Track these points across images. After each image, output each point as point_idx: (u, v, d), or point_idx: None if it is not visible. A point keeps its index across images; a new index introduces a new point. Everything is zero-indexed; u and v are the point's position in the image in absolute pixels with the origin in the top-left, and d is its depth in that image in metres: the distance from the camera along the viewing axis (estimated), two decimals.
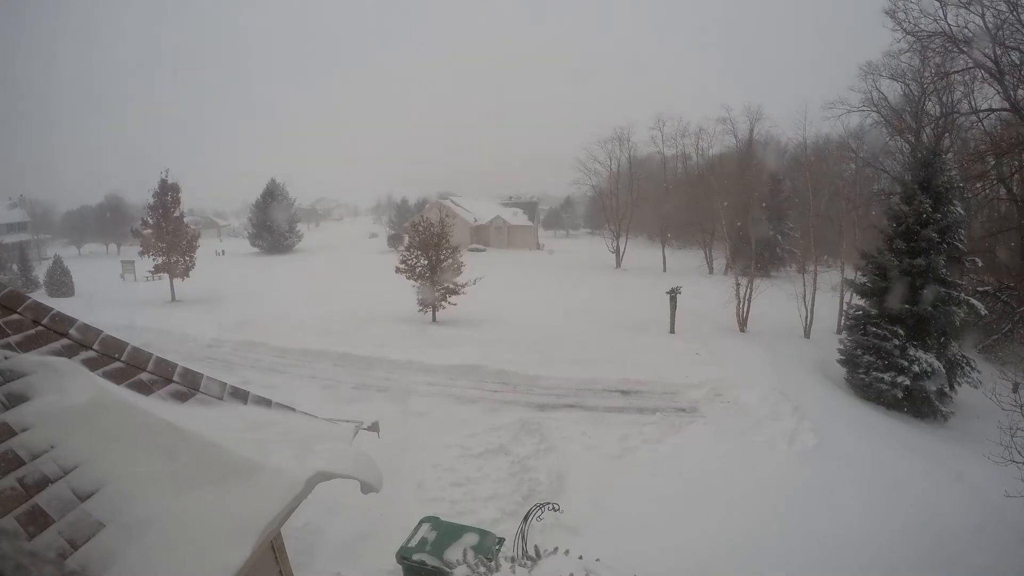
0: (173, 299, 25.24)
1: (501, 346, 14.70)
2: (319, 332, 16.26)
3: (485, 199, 62.54)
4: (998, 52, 19.88)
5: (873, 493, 7.85)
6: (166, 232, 25.26)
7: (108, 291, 28.77)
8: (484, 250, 48.73)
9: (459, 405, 10.94)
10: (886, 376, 11.68)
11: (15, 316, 3.00)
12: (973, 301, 12.62)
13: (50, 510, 2.16)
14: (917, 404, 11.68)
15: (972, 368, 12.36)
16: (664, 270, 35.12)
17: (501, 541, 5.32)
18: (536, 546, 4.18)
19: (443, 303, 19.72)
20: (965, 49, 20.86)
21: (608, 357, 13.81)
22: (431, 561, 4.99)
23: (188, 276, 25.96)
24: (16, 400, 2.43)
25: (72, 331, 3.14)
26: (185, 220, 27.81)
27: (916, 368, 11.46)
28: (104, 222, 55.83)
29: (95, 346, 3.17)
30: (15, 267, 33.76)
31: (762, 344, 16.01)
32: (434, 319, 19.55)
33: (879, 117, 26.24)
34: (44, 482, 2.24)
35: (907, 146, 25.30)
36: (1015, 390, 8.33)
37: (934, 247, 12.02)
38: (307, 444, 3.39)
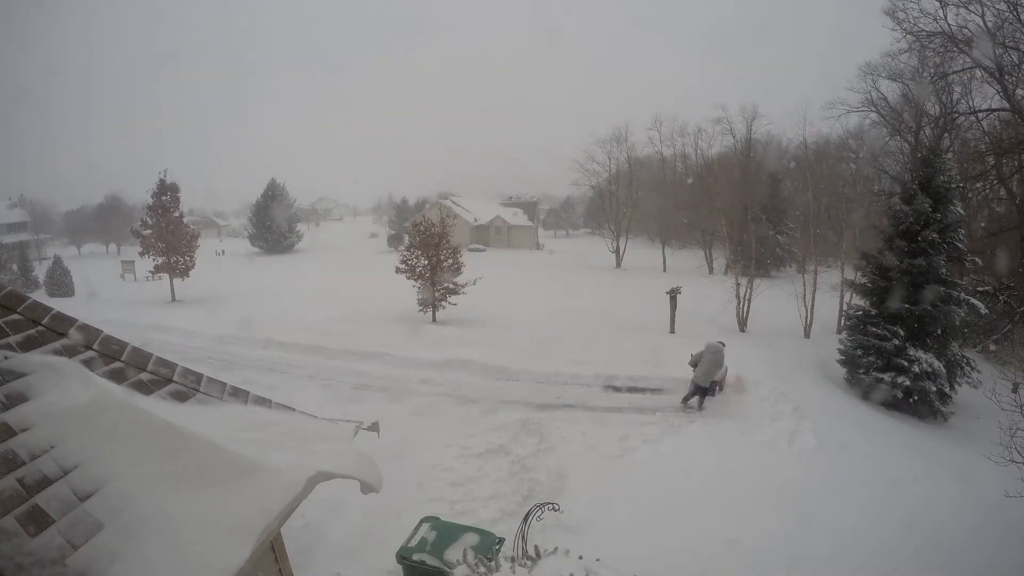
0: (173, 299, 25.25)
1: (501, 346, 14.70)
2: (319, 332, 16.25)
3: (485, 199, 62.63)
4: (998, 52, 19.89)
5: (873, 493, 7.84)
6: (166, 232, 25.27)
7: (108, 291, 28.78)
8: (484, 250, 48.77)
9: (459, 405, 10.94)
10: (886, 376, 11.68)
11: (15, 316, 3.00)
12: (973, 301, 12.62)
13: (50, 510, 2.16)
14: (917, 404, 11.68)
15: (972, 368, 12.37)
16: (664, 270, 35.14)
17: (501, 541, 5.32)
18: (536, 546, 4.17)
19: (443, 303, 19.73)
20: (965, 49, 20.87)
21: (608, 357, 13.81)
22: (431, 561, 4.99)
23: (188, 276, 25.97)
24: (16, 400, 2.43)
25: (72, 331, 3.14)
26: (185, 220, 27.82)
27: (916, 368, 11.46)
28: (104, 222, 55.84)
29: (95, 346, 3.17)
30: (15, 267, 33.79)
31: (762, 344, 16.00)
32: (434, 319, 19.56)
33: (878, 117, 26.27)
34: (44, 482, 2.24)
35: (907, 146, 25.32)
36: (1015, 390, 8.34)
37: (934, 247, 12.02)
38: (307, 444, 3.39)
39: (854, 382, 12.59)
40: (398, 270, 20.18)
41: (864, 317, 12.91)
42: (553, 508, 5.70)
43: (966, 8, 20.38)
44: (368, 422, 4.33)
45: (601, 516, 6.72)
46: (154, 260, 25.64)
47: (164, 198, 25.52)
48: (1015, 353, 13.95)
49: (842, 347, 13.14)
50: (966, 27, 20.75)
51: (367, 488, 3.22)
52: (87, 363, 3.00)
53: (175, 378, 3.36)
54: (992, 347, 15.58)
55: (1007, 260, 17.92)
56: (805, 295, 18.20)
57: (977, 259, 14.26)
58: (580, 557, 3.82)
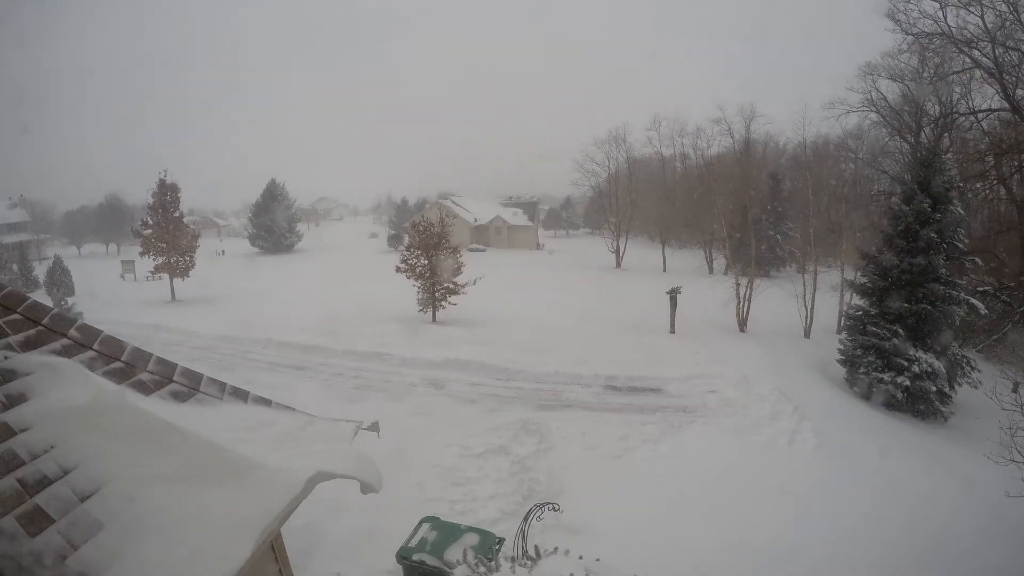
0: (173, 299, 25.26)
1: (501, 346, 14.70)
2: (319, 332, 16.26)
3: (485, 199, 62.62)
4: (998, 52, 19.90)
5: (874, 493, 7.84)
6: (166, 232, 25.28)
7: (108, 291, 28.77)
8: (484, 250, 48.75)
9: (459, 405, 10.94)
10: (886, 376, 11.67)
11: (15, 316, 3.00)
12: (973, 301, 12.62)
13: (50, 510, 2.16)
14: (917, 404, 11.67)
15: (972, 368, 12.36)
16: (664, 270, 35.13)
17: (501, 541, 5.32)
18: (536, 546, 4.18)
19: (443, 303, 19.74)
20: (965, 49, 20.89)
21: (608, 357, 13.81)
22: (431, 561, 4.99)
23: (188, 276, 25.97)
24: (16, 400, 2.43)
25: (72, 331, 3.14)
26: (185, 220, 27.82)
27: (916, 368, 11.46)
28: (104, 222, 55.86)
29: (95, 346, 3.17)
30: (15, 267, 33.78)
31: (762, 344, 16.01)
32: (434, 319, 19.56)
33: (878, 117, 26.29)
34: (44, 482, 2.24)
35: (907, 146, 25.33)
36: (1015, 390, 8.34)
37: (934, 247, 12.01)
38: (307, 444, 3.39)
39: (854, 382, 12.59)
40: (398, 270, 20.18)
41: (864, 317, 12.90)
42: (553, 508, 5.71)
43: (966, 9, 20.40)
44: (368, 422, 4.33)
45: (601, 516, 6.72)
46: (154, 260, 25.64)
47: (165, 198, 25.52)
48: (1015, 353, 13.94)
49: (842, 347, 13.14)
50: (966, 28, 20.78)
51: (367, 488, 3.22)
52: (87, 363, 3.00)
53: (175, 378, 3.36)
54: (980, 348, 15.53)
55: (1007, 260, 17.93)
56: (805, 295, 18.20)
57: (977, 259, 14.26)
58: (580, 557, 3.82)
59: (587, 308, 21.19)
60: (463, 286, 19.77)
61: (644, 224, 45.53)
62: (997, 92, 20.82)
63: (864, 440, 9.77)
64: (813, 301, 18.28)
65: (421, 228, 20.33)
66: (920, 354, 11.63)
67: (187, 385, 3.37)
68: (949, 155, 18.20)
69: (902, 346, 11.79)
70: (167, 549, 2.27)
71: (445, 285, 19.75)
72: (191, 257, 26.18)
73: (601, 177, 47.49)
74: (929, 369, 11.44)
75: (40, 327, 3.04)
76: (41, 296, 25.12)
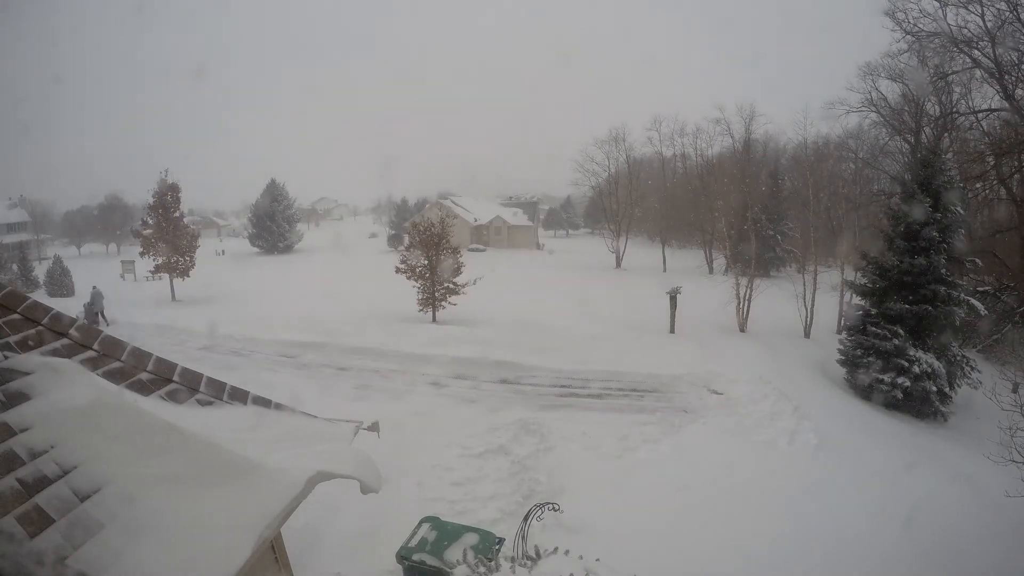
0: (173, 299, 25.25)
1: (501, 345, 14.70)
2: (319, 331, 16.25)
3: (485, 199, 62.63)
4: (998, 52, 19.90)
5: (874, 493, 7.85)
6: (166, 232, 25.28)
7: (108, 291, 28.74)
8: (484, 250, 48.76)
9: (459, 405, 10.94)
10: (886, 376, 11.67)
11: (15, 316, 3.00)
12: (973, 301, 12.62)
13: (50, 510, 2.16)
14: (917, 404, 11.68)
15: (972, 368, 12.36)
16: (664, 270, 35.14)
17: (501, 541, 5.32)
18: (536, 546, 4.17)
19: (443, 303, 19.74)
20: (965, 49, 20.88)
21: (608, 357, 13.81)
22: (431, 561, 4.99)
23: (188, 276, 25.98)
24: (17, 400, 2.43)
25: (72, 331, 3.14)
26: (185, 220, 27.83)
27: (916, 368, 11.46)
28: (104, 222, 55.87)
29: (95, 346, 3.17)
30: (15, 267, 33.79)
31: (762, 344, 16.01)
32: (434, 319, 19.56)
33: (878, 117, 26.29)
34: (44, 482, 2.24)
35: (907, 146, 25.34)
36: (1015, 390, 8.34)
37: (934, 247, 12.01)
38: (307, 444, 3.39)
39: (854, 382, 12.59)
40: (398, 270, 20.19)
41: (864, 317, 12.90)
42: (553, 508, 5.71)
43: (966, 8, 20.39)
44: (368, 422, 4.33)
45: (601, 516, 6.71)
46: (154, 260, 25.65)
47: (165, 198, 25.52)
48: (1015, 353, 13.95)
49: (842, 347, 13.14)
50: (966, 27, 20.77)
51: (367, 488, 3.22)
52: (87, 363, 3.00)
53: (175, 378, 3.36)
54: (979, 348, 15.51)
55: (1007, 260, 17.93)
56: (805, 295, 18.19)
57: (977, 259, 14.26)
58: (580, 557, 3.82)
59: (587, 308, 21.19)
60: (463, 286, 19.77)
61: (644, 224, 45.54)
62: (997, 92, 20.83)
63: (865, 440, 9.77)
64: (813, 301, 18.27)
65: (421, 228, 20.33)
66: (920, 354, 11.63)
67: (187, 385, 3.37)
68: (949, 155, 18.21)
69: (902, 346, 11.79)
70: (167, 549, 2.27)
71: (445, 285, 19.76)
72: (191, 257, 26.19)
73: (601, 177, 47.52)
74: (929, 369, 11.45)
75: (40, 327, 3.04)
76: (41, 296, 25.13)
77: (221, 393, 3.49)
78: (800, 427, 9.82)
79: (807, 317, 18.25)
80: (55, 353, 2.90)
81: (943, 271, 12.08)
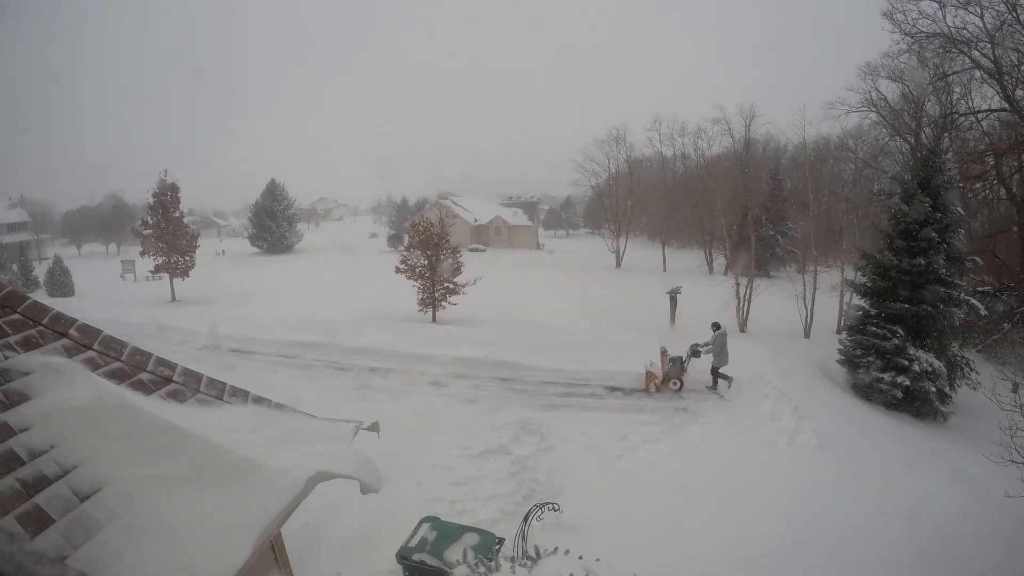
0: (173, 299, 25.26)
1: (501, 346, 14.69)
2: (319, 331, 16.25)
3: (485, 199, 62.65)
4: (997, 52, 19.89)
5: (875, 493, 7.84)
6: (166, 232, 25.29)
7: (108, 291, 28.78)
8: (484, 250, 48.76)
9: (459, 405, 10.95)
10: (886, 376, 11.67)
11: (15, 316, 3.00)
12: (973, 301, 12.62)
13: (50, 510, 2.17)
14: (917, 404, 11.67)
15: (972, 368, 12.36)
16: (664, 270, 35.15)
17: (501, 541, 5.32)
18: (536, 546, 4.18)
19: (443, 303, 19.74)
20: (964, 50, 20.87)
21: (608, 357, 13.80)
22: (431, 561, 4.99)
23: (188, 276, 25.99)
24: (17, 400, 2.43)
25: (72, 331, 3.14)
26: (185, 220, 27.84)
27: (916, 368, 11.46)
28: (104, 222, 55.86)
29: (95, 346, 3.17)
30: (15, 267, 33.81)
31: (762, 344, 16.01)
32: (434, 319, 19.56)
33: (878, 117, 26.27)
34: (44, 482, 2.24)
35: (907, 146, 25.33)
36: (1015, 390, 8.34)
37: (934, 246, 12.01)
38: (307, 444, 3.40)
39: (854, 382, 12.59)
40: (398, 270, 20.19)
41: (864, 317, 12.90)
42: (553, 508, 5.71)
43: (965, 9, 20.38)
44: (368, 422, 4.34)
45: (601, 516, 6.71)
46: (154, 260, 25.65)
47: (165, 198, 25.53)
48: (1015, 353, 13.95)
49: (842, 347, 13.14)
50: (965, 28, 20.76)
51: (367, 488, 3.22)
52: (87, 363, 3.00)
53: (175, 378, 3.36)
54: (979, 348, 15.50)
55: (1007, 260, 17.94)
56: (805, 295, 18.20)
57: (977, 259, 14.26)
58: (580, 557, 3.82)
59: (587, 308, 21.20)
60: (463, 286, 19.77)
61: (644, 224, 45.54)
62: (997, 92, 20.81)
63: (865, 440, 9.77)
64: (813, 301, 18.28)
65: (421, 228, 20.34)
66: (920, 354, 11.63)
67: (187, 385, 3.37)
68: (949, 155, 18.21)
69: (902, 346, 11.79)
70: (167, 549, 2.27)
71: (445, 285, 19.77)
72: (191, 257, 26.20)
73: (601, 177, 47.52)
74: (929, 369, 11.44)
75: (40, 327, 3.04)
76: (41, 296, 25.12)
77: (221, 393, 3.49)
78: (800, 427, 9.82)
79: (807, 317, 18.25)
80: (55, 353, 2.90)
81: (943, 271, 12.08)
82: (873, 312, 12.74)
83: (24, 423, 2.34)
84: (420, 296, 19.91)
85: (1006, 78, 20.10)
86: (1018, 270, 17.71)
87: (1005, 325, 16.14)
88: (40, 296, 23.25)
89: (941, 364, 11.62)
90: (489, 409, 10.61)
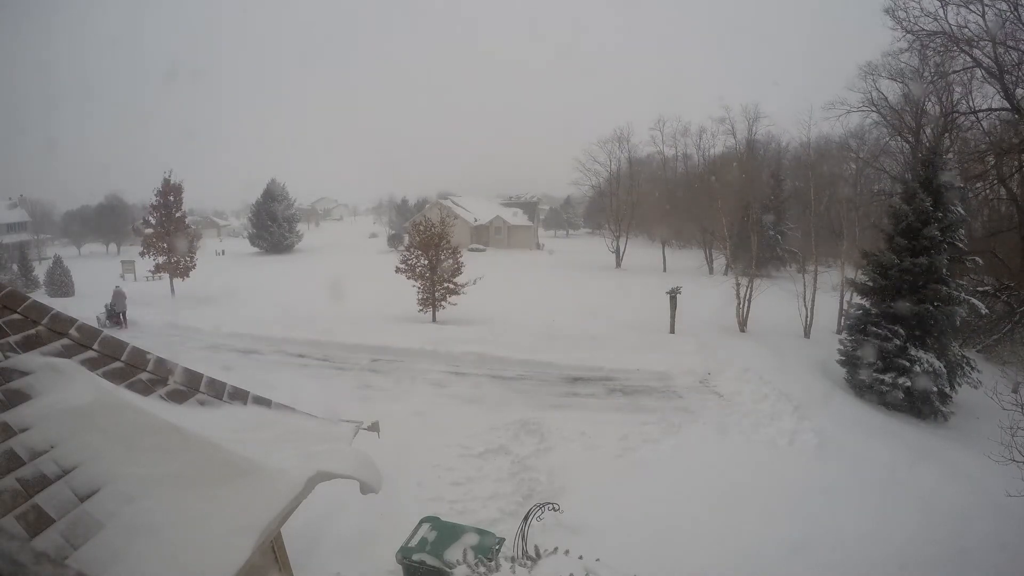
0: (173, 299, 25.26)
1: (501, 346, 14.70)
2: (318, 331, 16.27)
3: (485, 199, 62.57)
4: (999, 51, 19.87)
5: (875, 492, 7.85)
6: (167, 232, 25.32)
7: (108, 291, 28.72)
8: (484, 250, 48.73)
9: (459, 404, 10.95)
10: (887, 376, 11.66)
11: (15, 316, 3.00)
12: (974, 301, 12.59)
13: (50, 510, 2.16)
14: (918, 404, 11.66)
15: (972, 368, 12.35)
16: (664, 270, 35.12)
17: (501, 541, 5.32)
18: (536, 546, 4.18)
19: (443, 303, 19.74)
20: (965, 48, 20.85)
21: (608, 357, 13.81)
22: (431, 561, 4.99)
23: (188, 276, 26.00)
24: (17, 400, 2.43)
25: (72, 331, 3.14)
26: (186, 220, 27.87)
27: (917, 368, 11.45)
28: (104, 222, 55.86)
29: (95, 346, 3.17)
30: (15, 267, 33.81)
31: (762, 344, 16.00)
32: (434, 319, 19.56)
33: (879, 117, 26.26)
34: (44, 482, 2.24)
35: (907, 146, 25.32)
36: (1015, 390, 8.33)
37: (935, 246, 12.00)
38: (307, 444, 3.39)
39: (854, 382, 12.58)
40: (398, 270, 20.20)
41: (864, 317, 12.89)
42: (553, 508, 5.71)
43: (966, 7, 20.36)
44: (368, 422, 4.34)
45: (601, 516, 6.71)
46: (154, 260, 25.67)
47: (168, 198, 25.56)
48: (1015, 353, 13.94)
49: (842, 347, 13.12)
50: (966, 26, 20.74)
51: (367, 488, 3.22)
52: (87, 363, 3.00)
53: (175, 378, 3.36)
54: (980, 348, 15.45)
55: (1007, 260, 17.92)
56: (805, 295, 18.19)
57: (977, 259, 14.24)
58: (580, 557, 3.82)
59: (587, 308, 21.19)
60: (463, 286, 19.77)
61: (644, 224, 45.51)
62: (998, 92, 20.79)
63: (865, 440, 9.77)
64: (813, 301, 18.27)
65: (421, 228, 20.35)
66: (921, 354, 11.62)
67: (187, 385, 3.37)
68: (950, 155, 18.18)
69: (903, 346, 11.78)
70: (167, 549, 2.27)
71: (445, 285, 19.76)
72: (191, 257, 26.22)
73: (602, 177, 47.55)
74: (930, 369, 11.43)
75: (40, 327, 3.04)
76: (41, 296, 25.13)
77: (221, 393, 3.49)
78: (800, 427, 9.82)
79: (807, 317, 18.24)
80: (55, 353, 2.90)
81: (944, 271, 12.07)
82: (874, 312, 12.73)
83: (24, 423, 2.34)
84: (420, 296, 19.92)
85: (1007, 77, 20.08)
86: (1018, 270, 17.69)
87: (1006, 325, 16.12)
88: (40, 296, 23.26)
89: (942, 364, 11.61)
90: (489, 409, 10.61)
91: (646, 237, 48.00)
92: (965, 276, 13.87)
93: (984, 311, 13.31)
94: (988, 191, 21.23)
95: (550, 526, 5.97)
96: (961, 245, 12.66)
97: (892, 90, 25.58)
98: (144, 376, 3.23)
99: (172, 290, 25.63)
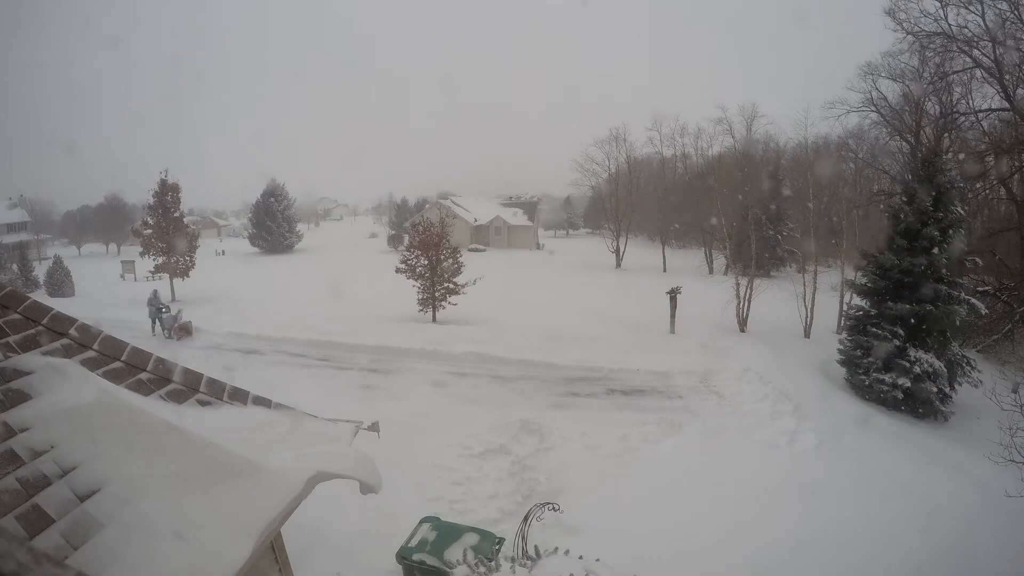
0: (173, 299, 25.24)
1: (501, 346, 14.70)
2: (318, 331, 16.27)
3: (485, 199, 62.51)
4: (998, 51, 19.88)
5: (874, 493, 7.84)
6: (166, 232, 25.30)
7: (108, 291, 28.77)
8: (484, 250, 48.72)
9: (459, 405, 10.94)
10: (886, 377, 11.66)
11: (15, 316, 3.00)
12: (973, 301, 12.59)
13: (50, 510, 2.16)
14: (918, 404, 11.66)
15: (972, 368, 12.34)
16: (664, 270, 35.11)
17: (501, 541, 5.32)
18: (536, 546, 4.18)
19: (443, 303, 19.74)
20: (965, 49, 20.86)
21: (608, 357, 13.81)
22: (431, 561, 4.99)
23: (188, 276, 25.98)
24: (17, 400, 2.43)
25: (72, 331, 3.14)
26: (185, 220, 27.85)
27: (917, 368, 11.45)
28: (104, 222, 55.84)
29: (95, 346, 3.17)
30: (15, 267, 33.79)
31: (762, 344, 16.00)
32: (434, 319, 19.56)
33: (879, 117, 26.25)
34: (44, 482, 2.24)
35: (907, 146, 25.31)
36: (1015, 390, 8.32)
37: (936, 245, 11.99)
38: (307, 444, 3.39)
39: (854, 382, 12.58)
40: (398, 270, 20.19)
41: (864, 317, 12.89)
42: (553, 508, 5.71)
43: (966, 8, 20.36)
44: (368, 422, 4.34)
45: (601, 516, 6.71)
46: (154, 260, 25.66)
47: (165, 198, 25.53)
48: (1015, 353, 13.93)
49: (842, 347, 13.12)
50: (966, 27, 20.75)
51: (367, 489, 3.22)
52: (87, 363, 3.00)
53: (175, 378, 3.36)
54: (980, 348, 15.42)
55: (1007, 260, 17.91)
56: (805, 295, 18.19)
57: (977, 259, 14.24)
58: (580, 557, 3.82)
59: (587, 308, 21.19)
60: (463, 286, 19.77)
61: (644, 224, 45.52)
62: (997, 92, 20.79)
63: (865, 440, 9.76)
64: (813, 301, 18.27)
65: (421, 228, 20.35)
66: (921, 354, 11.61)
67: (187, 385, 3.37)
68: (949, 155, 18.19)
69: (903, 346, 11.78)
70: (167, 549, 2.27)
71: (445, 285, 19.76)
72: (191, 257, 26.21)
73: (601, 177, 47.55)
74: (930, 369, 11.43)
75: (40, 327, 3.04)
76: (41, 296, 25.12)
77: (221, 393, 3.49)
78: (800, 427, 9.82)
79: (807, 317, 18.24)
80: (55, 353, 2.90)
81: (943, 271, 12.07)
82: (873, 312, 12.73)
83: (24, 423, 2.34)
84: (420, 296, 19.91)
85: (1007, 77, 20.08)
86: (1018, 270, 17.69)
87: (1006, 325, 16.11)
88: (40, 296, 23.24)
89: (941, 364, 11.61)
90: (489, 409, 10.61)
91: (646, 237, 48.00)
92: (965, 276, 13.86)
93: (984, 311, 13.30)
94: (988, 191, 21.22)
95: (550, 526, 5.97)
96: (961, 245, 12.65)
97: (892, 90, 25.60)
98: (144, 376, 3.22)
99: (172, 290, 25.61)
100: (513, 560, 3.75)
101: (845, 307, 16.99)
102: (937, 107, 23.96)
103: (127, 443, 2.50)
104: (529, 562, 3.68)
